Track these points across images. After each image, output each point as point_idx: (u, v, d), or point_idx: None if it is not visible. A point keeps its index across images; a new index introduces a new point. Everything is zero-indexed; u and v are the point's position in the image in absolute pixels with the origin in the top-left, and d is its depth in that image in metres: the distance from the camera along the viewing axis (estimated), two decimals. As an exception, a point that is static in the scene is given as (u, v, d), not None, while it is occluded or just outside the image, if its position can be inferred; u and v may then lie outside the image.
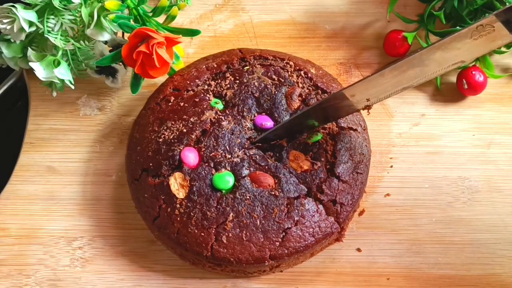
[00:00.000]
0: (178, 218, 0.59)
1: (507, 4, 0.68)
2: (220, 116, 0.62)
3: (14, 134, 0.72)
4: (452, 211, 0.65)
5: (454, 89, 0.71)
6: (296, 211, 0.59)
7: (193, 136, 0.61)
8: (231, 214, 0.58)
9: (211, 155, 0.60)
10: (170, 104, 0.64)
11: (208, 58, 0.68)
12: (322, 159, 0.60)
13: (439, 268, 0.63)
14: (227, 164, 0.60)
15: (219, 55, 0.68)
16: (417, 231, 0.65)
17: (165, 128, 0.62)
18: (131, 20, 0.64)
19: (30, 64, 0.63)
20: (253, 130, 0.62)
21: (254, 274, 0.63)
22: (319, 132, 0.62)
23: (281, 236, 0.58)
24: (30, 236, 0.66)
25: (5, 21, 0.61)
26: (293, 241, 0.59)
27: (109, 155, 0.69)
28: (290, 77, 0.64)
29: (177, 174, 0.60)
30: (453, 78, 0.72)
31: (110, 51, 0.65)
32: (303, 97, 0.64)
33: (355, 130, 0.63)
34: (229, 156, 0.60)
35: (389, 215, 0.66)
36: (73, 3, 0.62)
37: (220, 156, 0.60)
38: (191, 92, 0.64)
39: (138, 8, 0.64)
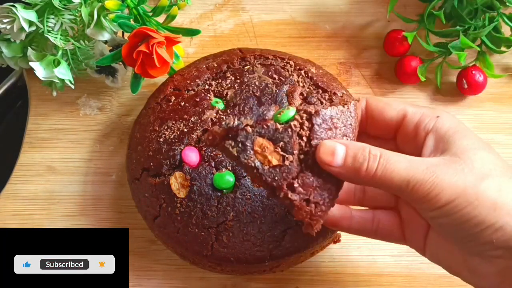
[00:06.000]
0: (179, 218, 0.59)
1: (507, 3, 0.68)
2: (221, 116, 0.62)
3: (14, 134, 0.72)
4: (452, 210, 0.65)
5: (454, 89, 0.71)
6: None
7: (194, 136, 0.61)
8: (232, 213, 0.58)
9: (212, 154, 0.60)
10: (170, 103, 0.64)
11: (208, 58, 0.68)
12: (295, 151, 0.48)
13: (439, 268, 0.63)
14: (228, 164, 0.60)
15: (219, 54, 0.68)
16: (417, 231, 0.65)
17: (165, 127, 0.62)
18: (131, 20, 0.64)
19: (30, 63, 0.63)
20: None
21: (254, 274, 0.63)
22: (291, 107, 0.50)
23: (282, 235, 0.58)
24: (30, 236, 0.66)
25: (5, 20, 0.61)
26: (293, 240, 0.59)
27: (109, 154, 0.69)
28: (291, 76, 0.64)
29: (178, 174, 0.60)
30: (453, 78, 0.72)
31: (110, 50, 0.65)
32: (305, 95, 0.64)
33: (337, 102, 0.54)
34: (230, 156, 0.60)
35: (389, 215, 0.65)
36: (73, 2, 0.62)
37: (221, 156, 0.60)
38: (192, 92, 0.64)
39: (138, 7, 0.64)
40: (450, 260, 0.51)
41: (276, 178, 0.47)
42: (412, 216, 0.53)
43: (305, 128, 0.48)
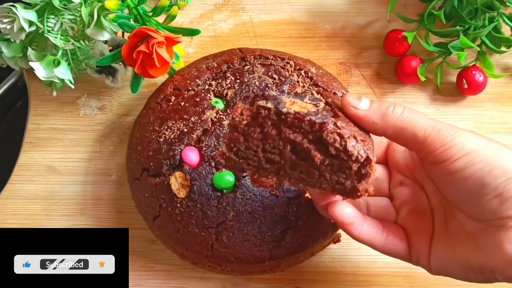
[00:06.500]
0: (179, 218, 0.59)
1: (507, 3, 0.68)
2: (221, 116, 0.62)
3: (14, 134, 0.72)
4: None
5: (454, 88, 0.71)
6: (296, 210, 0.59)
7: (194, 136, 0.61)
8: (232, 213, 0.58)
9: (212, 154, 0.60)
10: (170, 103, 0.64)
11: (208, 58, 0.68)
12: (323, 99, 0.50)
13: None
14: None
15: (219, 54, 0.68)
16: (417, 231, 0.65)
17: (165, 127, 0.62)
18: (131, 20, 0.64)
19: (30, 63, 0.63)
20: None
21: (254, 274, 0.63)
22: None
23: (282, 235, 0.58)
24: (30, 236, 0.66)
25: (5, 20, 0.61)
26: (293, 240, 0.59)
27: (109, 154, 0.69)
28: (291, 76, 0.64)
29: (178, 174, 0.60)
30: (453, 78, 0.72)
31: (110, 50, 0.65)
32: (304, 96, 0.64)
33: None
34: (230, 156, 0.60)
35: (389, 215, 0.65)
36: (73, 2, 0.62)
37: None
38: (192, 92, 0.64)
39: (138, 7, 0.64)
40: (460, 253, 0.49)
41: (319, 115, 0.46)
42: (415, 225, 0.53)
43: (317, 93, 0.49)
